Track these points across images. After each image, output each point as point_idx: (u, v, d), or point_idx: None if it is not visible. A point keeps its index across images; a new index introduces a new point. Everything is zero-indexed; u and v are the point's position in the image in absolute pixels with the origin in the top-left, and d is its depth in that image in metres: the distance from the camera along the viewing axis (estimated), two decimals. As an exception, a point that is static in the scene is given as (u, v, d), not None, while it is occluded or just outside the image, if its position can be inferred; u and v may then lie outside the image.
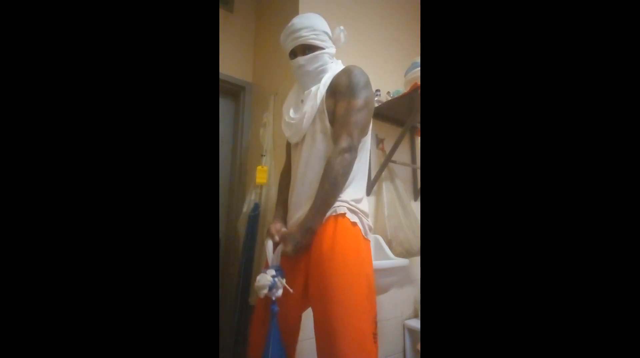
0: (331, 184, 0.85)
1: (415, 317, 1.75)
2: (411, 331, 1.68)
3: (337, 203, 0.88)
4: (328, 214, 0.87)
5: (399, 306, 1.70)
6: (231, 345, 1.46)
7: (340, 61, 1.04)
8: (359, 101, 0.89)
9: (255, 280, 0.86)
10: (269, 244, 0.92)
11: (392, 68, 1.87)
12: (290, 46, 0.99)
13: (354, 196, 0.91)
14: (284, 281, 0.83)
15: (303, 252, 0.88)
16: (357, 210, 0.90)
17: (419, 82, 1.44)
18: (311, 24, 0.97)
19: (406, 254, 1.51)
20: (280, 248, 0.89)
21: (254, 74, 1.97)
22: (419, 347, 1.60)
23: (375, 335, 0.82)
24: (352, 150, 0.87)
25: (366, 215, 0.93)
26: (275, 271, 0.84)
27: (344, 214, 0.87)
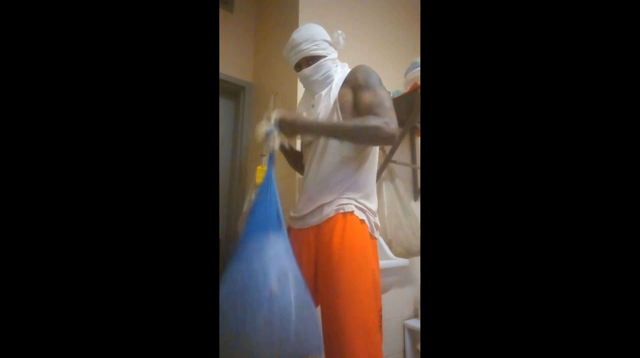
0: (354, 126, 0.85)
1: (415, 316, 1.75)
2: (411, 331, 1.68)
3: (345, 201, 0.91)
4: (336, 211, 0.90)
5: (399, 307, 1.70)
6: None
7: (346, 64, 1.07)
8: (385, 92, 0.92)
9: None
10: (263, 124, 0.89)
11: (392, 68, 1.87)
12: (294, 59, 1.03)
13: (362, 194, 0.93)
14: (281, 136, 0.85)
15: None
16: (364, 208, 0.92)
17: (419, 82, 1.44)
18: (310, 35, 1.00)
19: (406, 254, 1.51)
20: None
21: (254, 74, 1.97)
22: (419, 347, 1.60)
23: (380, 327, 0.86)
24: (394, 135, 0.86)
25: (374, 213, 0.95)
26: (274, 127, 0.85)
27: (352, 212, 0.90)
